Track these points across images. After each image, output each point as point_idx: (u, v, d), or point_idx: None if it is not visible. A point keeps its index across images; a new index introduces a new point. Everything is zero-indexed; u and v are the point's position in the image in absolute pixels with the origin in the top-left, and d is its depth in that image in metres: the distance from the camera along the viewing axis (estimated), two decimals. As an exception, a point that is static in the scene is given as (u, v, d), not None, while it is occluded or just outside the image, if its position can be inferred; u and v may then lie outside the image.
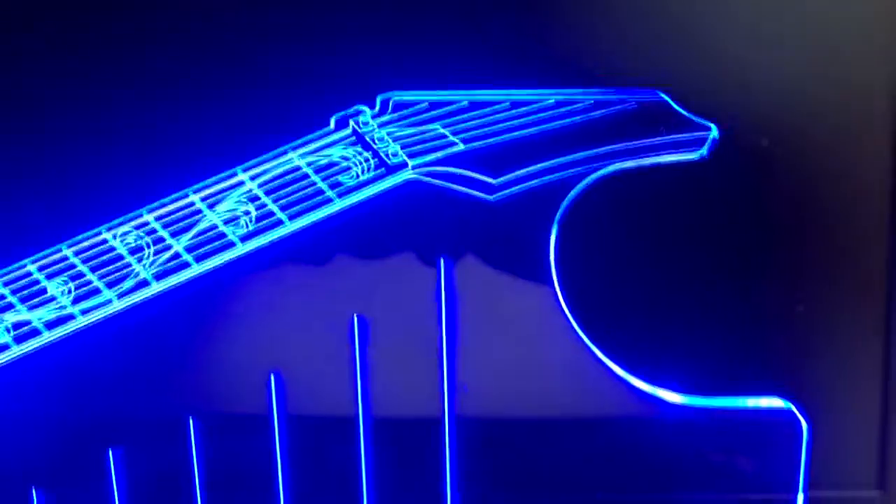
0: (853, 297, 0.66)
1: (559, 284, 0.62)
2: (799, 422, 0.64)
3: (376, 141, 0.61)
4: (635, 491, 0.67)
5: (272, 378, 0.64)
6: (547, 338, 0.63)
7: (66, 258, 0.61)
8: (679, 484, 0.67)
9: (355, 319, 0.63)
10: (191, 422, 0.65)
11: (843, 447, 0.69)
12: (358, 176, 0.60)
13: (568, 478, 0.67)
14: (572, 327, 0.63)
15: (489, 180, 0.60)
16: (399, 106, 0.61)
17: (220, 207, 0.61)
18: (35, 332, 0.61)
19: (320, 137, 0.61)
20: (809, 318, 0.66)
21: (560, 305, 0.62)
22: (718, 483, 0.67)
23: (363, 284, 0.62)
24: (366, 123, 0.61)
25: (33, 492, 0.65)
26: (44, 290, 0.61)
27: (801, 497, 0.66)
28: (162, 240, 0.61)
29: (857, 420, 0.68)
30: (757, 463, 0.66)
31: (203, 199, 0.61)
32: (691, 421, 0.65)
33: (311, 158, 0.61)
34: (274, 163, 0.61)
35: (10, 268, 0.61)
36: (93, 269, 0.61)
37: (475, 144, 0.61)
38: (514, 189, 0.60)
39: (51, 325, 0.61)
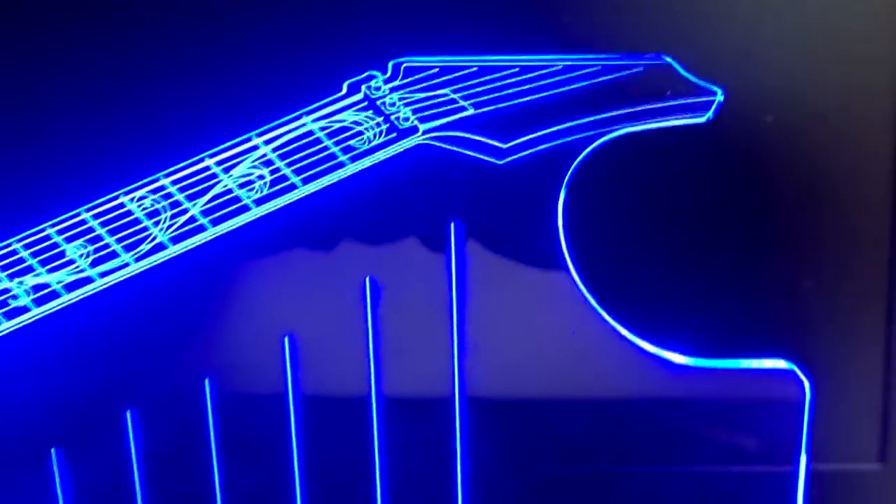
0: (857, 269, 0.67)
1: (567, 247, 0.63)
2: (802, 382, 0.65)
3: (388, 106, 0.62)
4: (636, 463, 0.69)
5: (286, 341, 0.65)
6: (555, 300, 0.65)
7: (84, 222, 0.62)
8: (681, 456, 0.68)
9: (367, 283, 0.64)
10: (207, 384, 0.66)
11: (845, 420, 0.70)
12: (370, 140, 0.62)
13: (571, 445, 0.68)
14: (580, 289, 0.64)
15: (499, 144, 0.61)
16: (410, 71, 0.63)
17: (236, 171, 0.62)
18: (54, 295, 0.63)
19: (333, 102, 0.63)
20: (813, 287, 0.67)
21: (568, 268, 0.63)
22: (721, 454, 0.68)
23: (375, 247, 0.64)
24: (378, 89, 0.62)
25: (53, 452, 0.66)
26: (63, 254, 0.63)
27: (803, 463, 0.67)
28: (178, 204, 0.62)
29: (858, 393, 0.70)
30: (760, 426, 0.67)
31: (218, 164, 0.62)
32: (696, 385, 0.66)
33: (324, 123, 0.62)
34: (288, 127, 0.62)
35: (30, 232, 0.62)
36: (111, 233, 0.62)
37: (485, 109, 0.62)
38: (523, 153, 0.62)
39: (70, 287, 0.63)
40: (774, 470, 0.67)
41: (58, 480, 0.66)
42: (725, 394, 0.66)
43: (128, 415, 0.66)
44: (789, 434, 0.66)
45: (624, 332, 0.64)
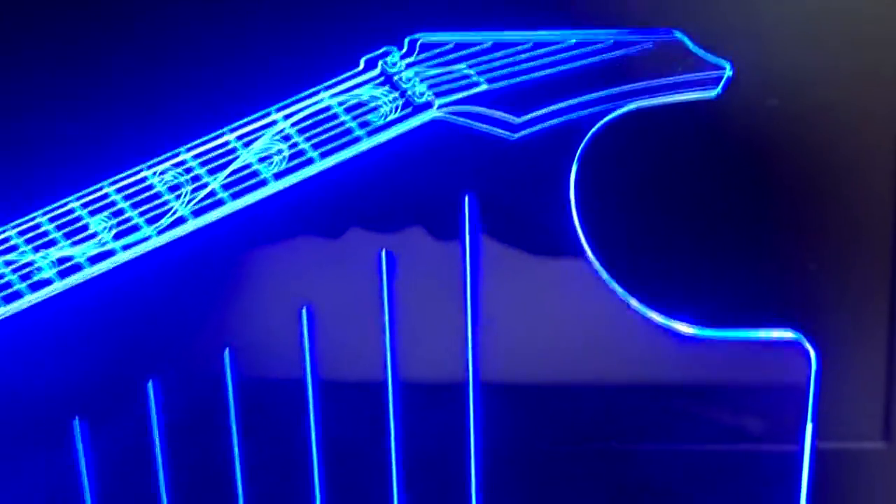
0: (863, 242, 0.68)
1: (578, 220, 0.64)
2: (808, 352, 0.66)
3: (404, 81, 0.63)
4: (644, 439, 0.70)
5: (304, 313, 0.67)
6: (567, 273, 0.66)
7: (107, 196, 0.64)
8: (688, 432, 0.70)
9: (383, 255, 0.65)
10: (226, 353, 0.67)
11: (849, 398, 0.71)
12: (386, 115, 0.63)
13: (580, 418, 0.70)
14: (591, 262, 0.65)
15: (512, 119, 0.63)
16: (426, 47, 0.64)
17: (255, 146, 0.63)
18: (78, 267, 0.64)
19: (350, 78, 0.64)
20: (820, 260, 0.68)
21: (579, 240, 0.65)
22: (728, 426, 0.70)
23: (391, 220, 0.65)
24: (394, 64, 0.64)
25: (76, 421, 0.68)
26: (86, 227, 0.64)
27: (809, 433, 0.68)
28: (199, 178, 0.64)
29: (863, 368, 0.71)
30: (767, 397, 0.69)
31: (238, 139, 0.63)
32: (702, 356, 0.67)
33: (341, 98, 0.64)
34: (306, 103, 0.64)
35: (54, 205, 0.64)
36: (133, 206, 0.64)
37: (498, 84, 0.63)
38: (536, 127, 0.63)
39: (93, 260, 0.64)
40: (779, 448, 0.69)
41: (80, 451, 0.67)
42: (733, 365, 0.68)
43: (149, 385, 0.67)
44: (795, 405, 0.67)
45: (634, 303, 0.66)
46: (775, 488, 0.69)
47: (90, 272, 0.64)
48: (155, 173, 0.64)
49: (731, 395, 0.69)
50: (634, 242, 0.66)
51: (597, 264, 0.65)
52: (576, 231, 0.65)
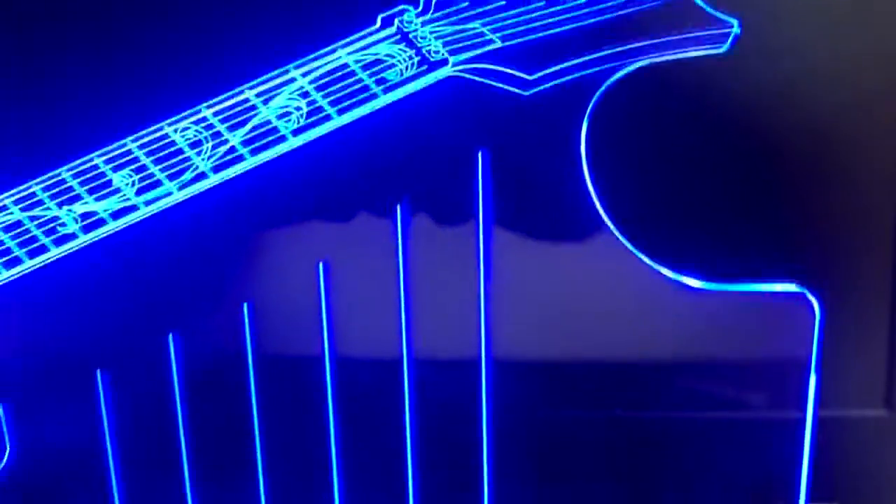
0: (868, 198, 0.69)
1: (589, 176, 0.66)
2: (812, 304, 0.68)
3: (419, 39, 0.65)
4: (646, 408, 0.72)
5: (320, 267, 0.68)
6: (576, 226, 0.68)
7: (130, 152, 0.65)
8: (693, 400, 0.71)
9: (398, 211, 0.67)
10: (245, 308, 0.69)
11: (851, 365, 0.72)
12: (402, 72, 0.64)
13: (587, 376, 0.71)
14: (600, 216, 0.67)
15: (524, 76, 0.64)
16: (441, 5, 0.65)
17: (274, 103, 0.65)
18: (101, 222, 0.66)
19: (367, 36, 0.65)
20: (826, 215, 0.70)
21: (590, 196, 0.66)
22: (734, 382, 0.71)
23: (407, 176, 0.66)
24: (410, 22, 0.65)
25: (98, 374, 0.69)
26: (109, 182, 0.65)
27: (812, 385, 0.69)
28: (219, 134, 0.65)
29: (865, 340, 0.72)
30: (773, 350, 0.70)
31: (258, 96, 0.65)
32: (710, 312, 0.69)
33: (358, 56, 0.65)
34: (324, 60, 0.65)
35: (78, 161, 0.65)
36: (155, 162, 0.65)
37: (512, 42, 0.64)
38: (548, 84, 0.64)
39: (116, 215, 0.66)
40: (783, 413, 0.70)
41: (102, 403, 0.69)
42: (739, 317, 0.69)
43: (171, 338, 0.69)
44: (801, 358, 0.69)
45: (643, 257, 0.67)
46: (778, 453, 0.71)
47: (113, 227, 0.66)
48: (176, 130, 0.65)
49: (737, 350, 0.71)
50: (644, 198, 0.67)
51: (607, 220, 0.67)
52: (586, 187, 0.66)
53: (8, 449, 0.69)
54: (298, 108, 0.65)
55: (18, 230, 0.66)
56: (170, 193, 0.65)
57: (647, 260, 0.67)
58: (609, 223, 0.67)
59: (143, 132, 0.65)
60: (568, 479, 0.73)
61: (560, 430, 0.72)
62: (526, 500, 0.72)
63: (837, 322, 0.68)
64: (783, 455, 0.70)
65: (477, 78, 0.65)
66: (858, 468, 0.74)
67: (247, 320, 0.69)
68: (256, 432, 0.71)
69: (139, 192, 0.65)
